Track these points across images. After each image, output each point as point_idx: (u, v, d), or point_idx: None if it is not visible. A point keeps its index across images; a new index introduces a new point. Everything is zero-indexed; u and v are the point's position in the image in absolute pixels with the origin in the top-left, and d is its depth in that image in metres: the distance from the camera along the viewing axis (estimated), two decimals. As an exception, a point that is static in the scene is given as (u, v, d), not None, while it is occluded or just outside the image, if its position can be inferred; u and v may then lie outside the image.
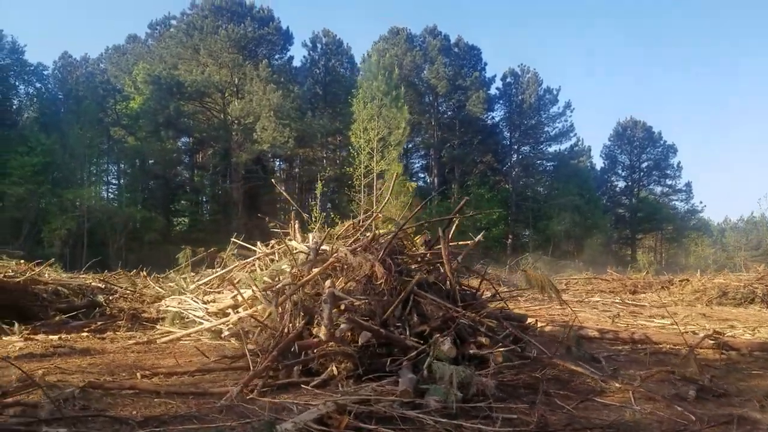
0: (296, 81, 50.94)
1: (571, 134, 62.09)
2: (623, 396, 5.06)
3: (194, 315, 9.34)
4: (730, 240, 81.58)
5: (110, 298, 12.09)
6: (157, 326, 9.81)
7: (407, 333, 5.65)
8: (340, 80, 53.16)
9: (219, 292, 9.81)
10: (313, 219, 30.28)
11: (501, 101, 62.89)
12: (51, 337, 9.05)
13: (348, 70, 54.78)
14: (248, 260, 10.19)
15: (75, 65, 59.27)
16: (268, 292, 8.10)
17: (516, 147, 64.31)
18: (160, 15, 67.60)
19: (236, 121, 48.44)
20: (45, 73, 51.78)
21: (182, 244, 49.87)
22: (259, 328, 7.09)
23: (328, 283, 6.41)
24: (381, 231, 8.22)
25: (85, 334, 9.31)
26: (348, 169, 32.81)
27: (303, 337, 5.99)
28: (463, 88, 56.47)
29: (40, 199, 41.85)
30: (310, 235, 8.50)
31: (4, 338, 9.13)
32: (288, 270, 8.59)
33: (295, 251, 8.54)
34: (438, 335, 5.40)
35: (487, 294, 7.80)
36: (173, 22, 52.54)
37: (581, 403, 4.78)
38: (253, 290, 8.41)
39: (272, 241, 10.47)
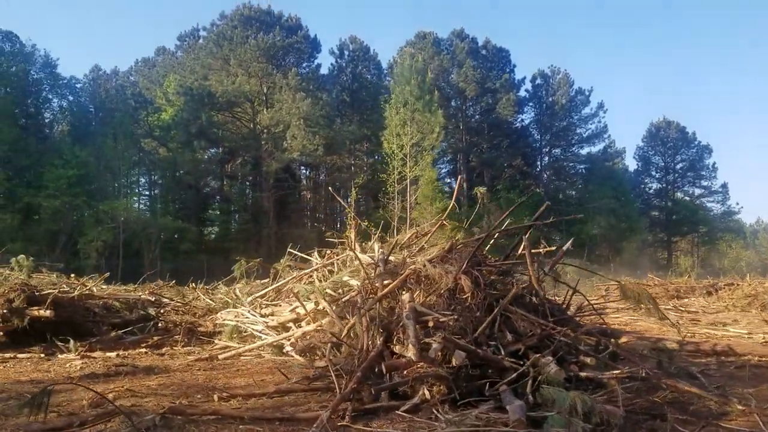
0: (324, 88, 50.92)
1: (605, 136, 61.05)
2: (748, 420, 4.61)
3: (253, 329, 9.08)
4: (763, 242, 79.42)
5: (161, 311, 11.90)
6: (215, 340, 9.56)
7: (501, 352, 5.26)
8: (368, 87, 53.02)
9: (276, 305, 9.53)
10: (348, 227, 30.21)
11: (531, 103, 62.11)
12: (109, 354, 8.84)
13: (375, 76, 54.66)
14: (305, 271, 9.89)
15: (105, 78, 60.05)
16: (334, 306, 7.79)
17: (547, 150, 63.41)
18: (188, 27, 68.29)
19: (265, 130, 48.55)
20: (77, 86, 52.54)
21: (214, 253, 49.92)
22: (329, 344, 6.77)
23: (406, 297, 6.05)
24: (458, 239, 7.82)
25: (143, 350, 9.10)
26: (381, 175, 32.48)
27: (384, 356, 5.64)
28: (492, 91, 55.87)
29: (75, 211, 42.29)
30: (375, 245, 8.13)
31: (60, 356, 8.96)
32: (350, 281, 8.26)
33: (361, 262, 8.19)
34: (538, 355, 5.00)
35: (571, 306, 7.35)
36: (203, 33, 53.05)
37: (703, 429, 4.36)
38: (317, 303, 8.10)
39: (326, 251, 10.19)
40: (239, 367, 7.33)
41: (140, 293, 12.53)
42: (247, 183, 51.17)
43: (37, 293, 9.50)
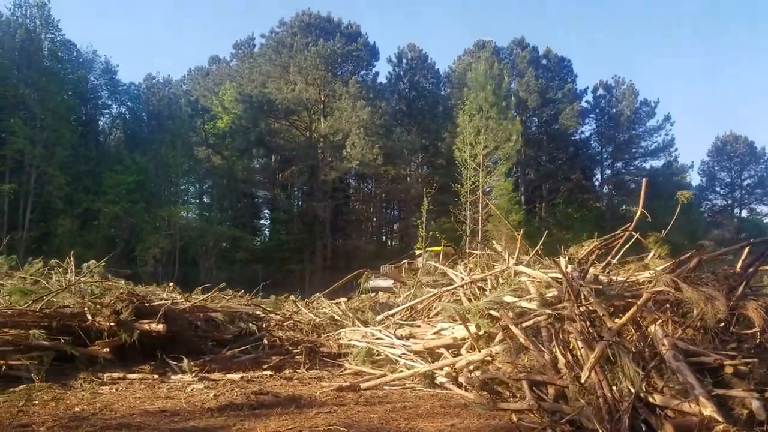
0: (383, 97, 49.99)
1: (671, 150, 58.41)
2: None
3: (390, 353, 7.82)
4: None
5: (264, 325, 10.78)
6: (343, 363, 8.35)
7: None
8: (426, 96, 51.90)
9: (414, 325, 8.27)
10: (419, 238, 28.89)
11: (592, 115, 59.97)
12: (230, 376, 7.72)
13: (433, 85, 53.51)
14: (446, 288, 8.61)
15: (158, 86, 60.33)
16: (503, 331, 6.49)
17: (608, 163, 61.08)
18: (244, 36, 68.54)
19: (322, 139, 47.83)
20: (136, 92, 52.88)
21: (269, 263, 49.26)
22: (525, 382, 5.46)
23: (657, 330, 4.70)
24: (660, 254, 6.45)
25: (266, 372, 7.94)
26: (454, 185, 31.20)
27: (637, 408, 4.31)
28: (554, 102, 54.05)
29: (133, 218, 42.15)
30: (562, 260, 6.78)
31: (174, 377, 7.88)
32: (521, 302, 6.93)
33: (536, 279, 6.88)
34: None
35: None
36: (261, 41, 52.80)
37: None
38: (478, 327, 6.80)
39: (469, 264, 8.92)
40: (406, 404, 6.07)
41: (242, 306, 11.37)
42: (303, 192, 50.42)
43: (147, 304, 8.49)
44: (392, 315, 8.92)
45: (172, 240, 42.05)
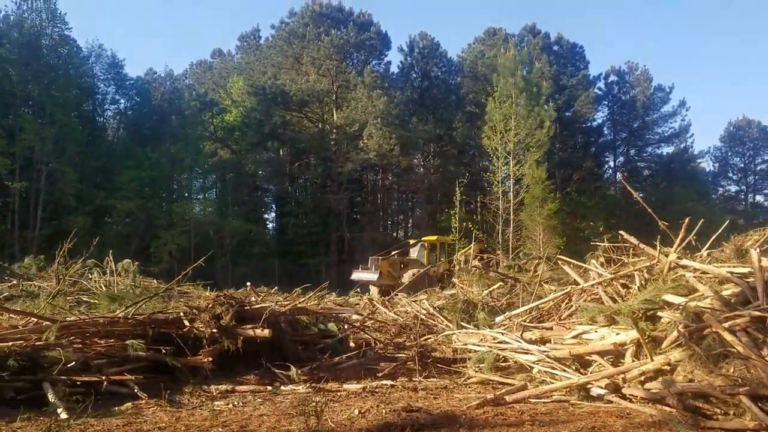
0: (397, 87, 49.00)
1: (686, 135, 57.59)
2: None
3: (525, 360, 7.03)
4: None
5: (344, 326, 9.98)
6: (464, 370, 7.57)
7: None
8: (439, 85, 50.91)
9: (545, 328, 7.49)
10: (453, 229, 28.08)
11: (604, 102, 59.02)
12: (348, 386, 6.93)
13: (446, 73, 52.47)
14: (581, 286, 7.83)
15: (160, 81, 59.09)
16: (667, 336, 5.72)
17: (623, 150, 60.26)
18: (248, 28, 67.17)
19: (335, 130, 46.90)
20: (144, 87, 51.83)
21: (284, 256, 48.21)
22: (747, 398, 4.70)
23: None
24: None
25: (385, 382, 7.14)
26: (485, 174, 30.24)
27: None
28: (568, 88, 53.12)
29: (147, 214, 41.17)
30: (753, 253, 5.97)
31: (283, 388, 7.09)
32: (696, 303, 6.16)
33: (713, 274, 6.11)
34: None
35: None
36: (271, 32, 51.64)
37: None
38: (644, 331, 6.04)
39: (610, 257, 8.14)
40: (591, 424, 5.29)
41: (340, 307, 10.47)
42: (316, 184, 49.44)
43: (247, 307, 7.68)
44: (513, 316, 8.10)
45: (187, 236, 41.14)
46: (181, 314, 7.53)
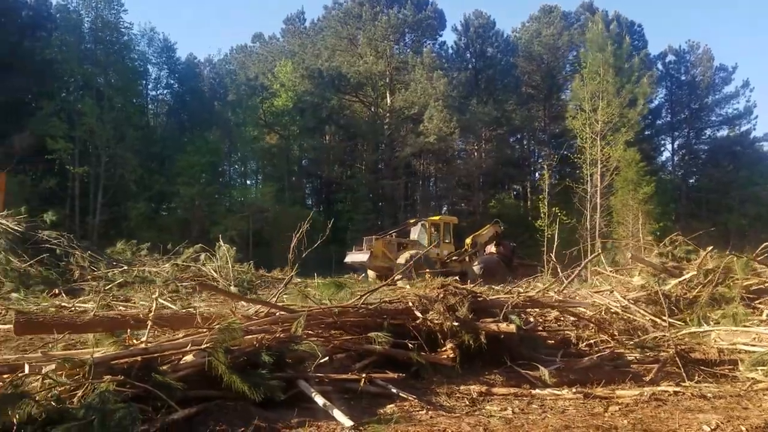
0: (454, 67, 47.75)
1: (750, 117, 55.37)
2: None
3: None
4: None
5: (528, 319, 9.02)
6: (735, 373, 6.57)
7: None
8: (495, 65, 49.51)
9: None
10: (542, 216, 26.93)
11: (663, 82, 56.93)
12: (624, 392, 5.96)
13: (502, 53, 50.94)
14: None
15: (201, 66, 58.47)
16: None
17: (681, 132, 58.24)
18: (294, 10, 66.22)
19: (389, 114, 45.85)
20: (195, 71, 51.36)
21: (341, 244, 47.95)
22: None
23: None
24: None
25: (659, 387, 6.17)
26: (574, 157, 29.00)
27: None
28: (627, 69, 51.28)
29: (207, 200, 40.80)
30: None
31: (535, 392, 6.17)
32: None
33: None
34: None
35: None
36: (318, 14, 50.72)
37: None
38: None
39: None
40: None
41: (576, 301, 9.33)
42: (372, 170, 48.49)
43: (480, 298, 6.79)
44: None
45: (246, 221, 40.71)
46: (410, 305, 6.67)
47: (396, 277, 15.14)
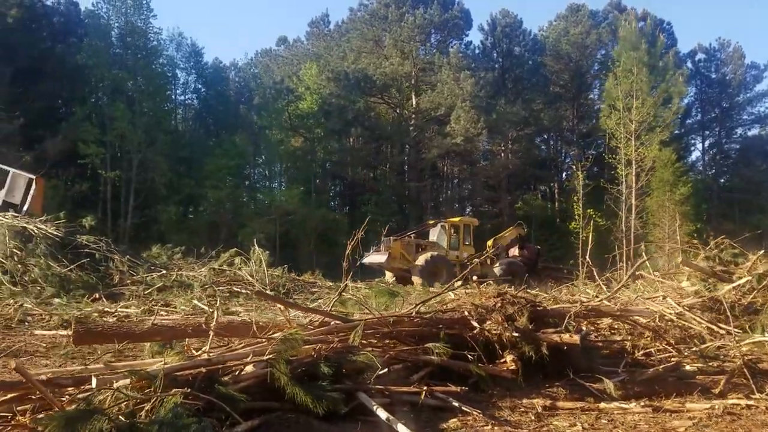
0: (482, 67, 47.38)
1: (783, 114, 54.08)
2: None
3: None
4: None
5: (578, 327, 8.73)
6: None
7: None
8: (523, 64, 49.03)
9: None
10: (576, 217, 26.47)
11: (693, 80, 55.86)
12: (694, 405, 5.71)
13: (529, 53, 50.45)
14: None
15: (227, 70, 58.79)
16: None
17: (715, 131, 57.09)
18: (318, 13, 66.11)
19: (413, 115, 45.61)
20: (222, 75, 51.75)
21: (367, 246, 47.95)
22: None
23: None
24: None
25: (736, 401, 5.91)
26: (609, 157, 28.42)
27: None
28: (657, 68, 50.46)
29: (235, 203, 41.07)
30: None
31: (602, 405, 5.94)
32: None
33: None
34: None
35: None
36: (343, 16, 50.71)
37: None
38: None
39: None
40: None
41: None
42: (397, 172, 48.33)
43: (540, 307, 6.57)
44: None
45: (273, 224, 40.83)
46: (467, 314, 6.47)
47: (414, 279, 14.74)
